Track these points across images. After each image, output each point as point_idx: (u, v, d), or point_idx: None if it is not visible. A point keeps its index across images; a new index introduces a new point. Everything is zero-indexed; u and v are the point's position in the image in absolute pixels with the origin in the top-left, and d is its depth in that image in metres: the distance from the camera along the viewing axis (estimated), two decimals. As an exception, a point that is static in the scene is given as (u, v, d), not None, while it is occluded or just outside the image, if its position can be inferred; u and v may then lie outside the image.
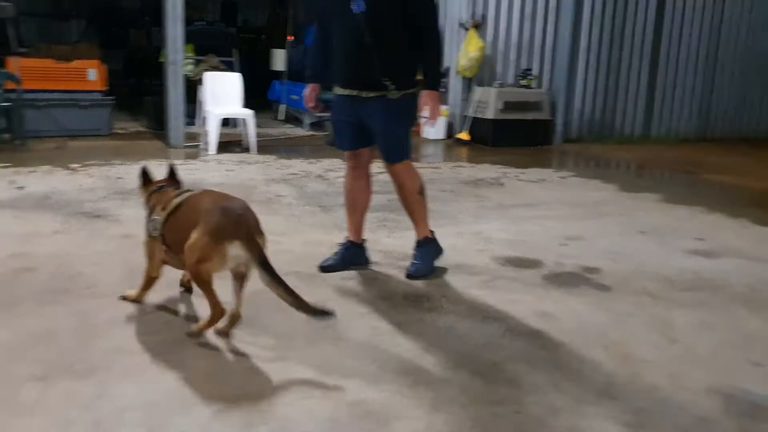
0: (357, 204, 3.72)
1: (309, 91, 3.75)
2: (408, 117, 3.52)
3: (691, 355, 2.82)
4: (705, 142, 10.67)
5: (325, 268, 3.66)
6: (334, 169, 6.93)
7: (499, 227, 4.77)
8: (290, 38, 10.87)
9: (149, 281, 3.00)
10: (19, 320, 2.86)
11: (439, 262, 3.78)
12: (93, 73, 8.47)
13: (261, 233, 2.66)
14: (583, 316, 3.21)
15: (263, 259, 2.54)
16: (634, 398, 2.43)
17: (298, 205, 5.31)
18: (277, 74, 11.12)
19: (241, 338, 2.72)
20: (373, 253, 3.85)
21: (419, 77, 3.47)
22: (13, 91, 7.43)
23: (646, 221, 5.17)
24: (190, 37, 8.65)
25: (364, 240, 3.78)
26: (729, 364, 2.77)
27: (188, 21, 8.07)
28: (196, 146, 7.87)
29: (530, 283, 3.64)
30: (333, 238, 4.05)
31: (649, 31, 10.22)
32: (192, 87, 8.46)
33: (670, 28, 10.36)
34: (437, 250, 3.73)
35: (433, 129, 8.90)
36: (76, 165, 6.42)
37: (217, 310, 2.64)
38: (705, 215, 5.48)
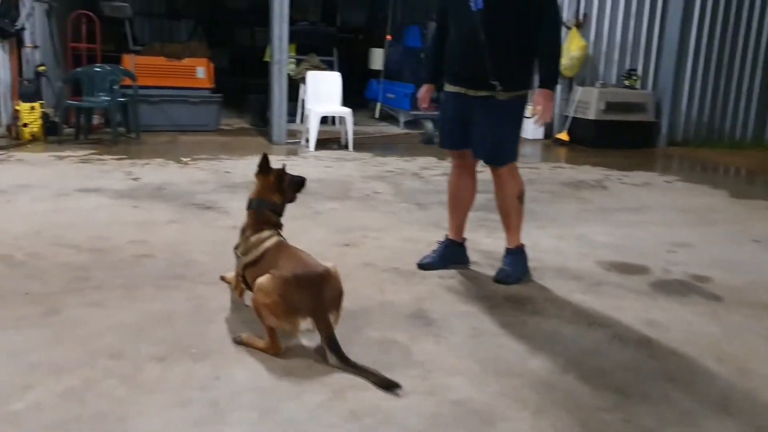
0: (460, 203, 3.72)
1: (424, 91, 3.76)
2: (514, 120, 3.47)
3: (815, 373, 2.65)
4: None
5: (423, 266, 3.68)
6: (430, 167, 6.96)
7: (602, 231, 4.65)
8: (389, 38, 10.97)
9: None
10: (140, 303, 3.04)
11: (540, 265, 3.73)
12: (202, 71, 8.85)
13: (337, 307, 2.60)
14: (694, 326, 3.08)
15: (331, 342, 2.49)
16: (754, 415, 2.32)
17: (395, 202, 5.37)
18: (374, 73, 11.25)
19: (346, 333, 2.78)
20: (472, 253, 3.84)
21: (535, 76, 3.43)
22: (129, 87, 7.87)
23: (760, 230, 4.91)
24: (293, 37, 8.88)
25: (464, 239, 3.78)
26: None
27: (291, 21, 8.29)
28: (297, 143, 8.09)
29: (637, 289, 3.53)
30: (430, 236, 4.07)
31: (766, 27, 9.64)
32: (292, 85, 8.69)
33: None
34: (526, 261, 3.64)
35: (531, 128, 8.77)
36: (187, 159, 6.74)
37: (274, 346, 2.58)
38: (828, 226, 5.12)
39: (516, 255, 3.60)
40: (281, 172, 2.95)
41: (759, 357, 2.78)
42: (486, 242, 4.15)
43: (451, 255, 3.74)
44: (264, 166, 2.97)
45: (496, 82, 3.28)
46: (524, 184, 3.57)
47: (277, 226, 2.91)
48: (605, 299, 3.35)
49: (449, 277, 3.58)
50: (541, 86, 3.36)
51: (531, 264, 3.66)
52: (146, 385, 2.34)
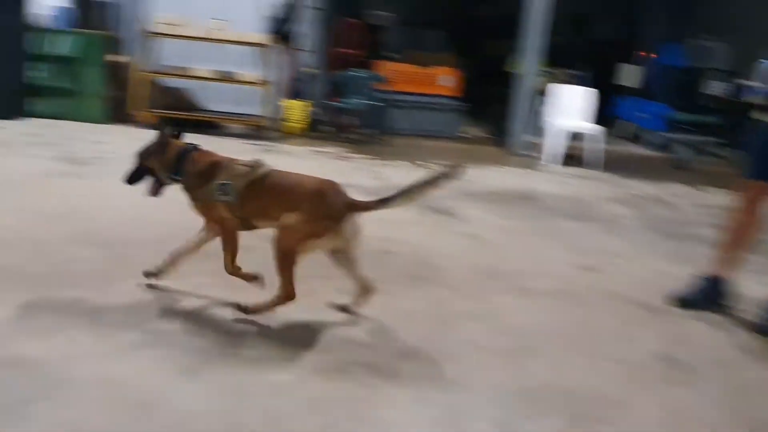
0: (744, 240, 3.41)
1: None
2: None
3: None
4: None
5: (682, 302, 3.43)
6: (680, 194, 6.49)
7: None
8: (643, 54, 10.38)
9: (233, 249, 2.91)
10: (387, 299, 3.20)
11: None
12: (448, 80, 9.12)
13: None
14: None
15: (378, 203, 2.73)
16: None
17: (640, 228, 5.07)
18: (620, 89, 10.73)
19: (576, 358, 2.69)
20: (736, 296, 3.48)
21: None
22: (382, 91, 8.36)
23: None
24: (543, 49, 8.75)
25: (731, 279, 3.46)
26: None
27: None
28: (535, 156, 8.00)
29: None
30: (679, 270, 3.79)
31: None
32: (537, 97, 8.60)
33: None
34: None
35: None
36: (429, 162, 6.99)
37: (290, 291, 2.69)
38: None
39: None
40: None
41: None
42: (754, 287, 3.75)
43: (714, 294, 3.44)
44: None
45: None
46: None
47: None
48: None
49: (704, 318, 3.30)
50: None
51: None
52: (394, 377, 2.46)
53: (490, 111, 10.08)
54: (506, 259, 3.99)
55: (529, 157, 8.00)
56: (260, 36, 7.83)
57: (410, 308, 3.11)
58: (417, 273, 3.60)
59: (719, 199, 6.22)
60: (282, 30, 8.06)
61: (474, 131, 10.07)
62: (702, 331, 3.17)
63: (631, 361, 2.79)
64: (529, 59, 7.88)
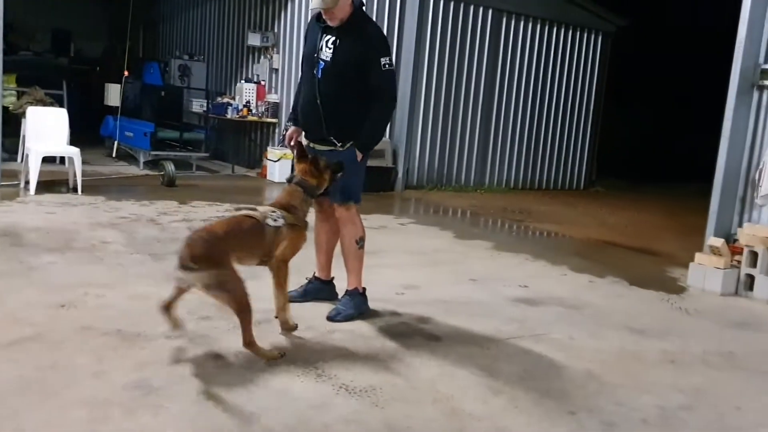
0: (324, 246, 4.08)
1: (291, 131, 3.94)
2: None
3: (514, 407, 2.92)
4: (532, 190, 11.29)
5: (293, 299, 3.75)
6: (169, 212, 6.61)
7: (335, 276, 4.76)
8: (126, 73, 10.29)
9: None
10: None
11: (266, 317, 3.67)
12: None
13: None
14: (414, 368, 3.23)
15: None
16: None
17: (126, 252, 4.97)
18: (112, 109, 10.52)
19: (46, 412, 2.43)
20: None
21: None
22: None
23: (477, 269, 5.38)
24: (13, 67, 7.96)
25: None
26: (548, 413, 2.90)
27: (12, 49, 7.43)
28: (16, 185, 7.20)
29: (367, 335, 3.62)
30: (163, 291, 3.67)
31: (480, 94, 10.74)
32: (13, 120, 7.79)
33: (502, 91, 10.97)
34: (363, 304, 3.92)
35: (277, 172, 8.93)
36: None
37: None
38: (530, 263, 5.81)
39: (352, 296, 3.92)
40: (315, 157, 3.54)
41: (467, 396, 2.98)
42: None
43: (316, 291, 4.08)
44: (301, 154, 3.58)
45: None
46: (364, 230, 3.93)
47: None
48: (335, 347, 3.38)
49: (177, 337, 3.32)
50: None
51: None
52: None
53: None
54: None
55: (11, 186, 7.16)
56: None
57: None
58: None
59: (204, 212, 6.59)
60: None
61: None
62: (174, 350, 3.21)
63: (100, 398, 2.67)
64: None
